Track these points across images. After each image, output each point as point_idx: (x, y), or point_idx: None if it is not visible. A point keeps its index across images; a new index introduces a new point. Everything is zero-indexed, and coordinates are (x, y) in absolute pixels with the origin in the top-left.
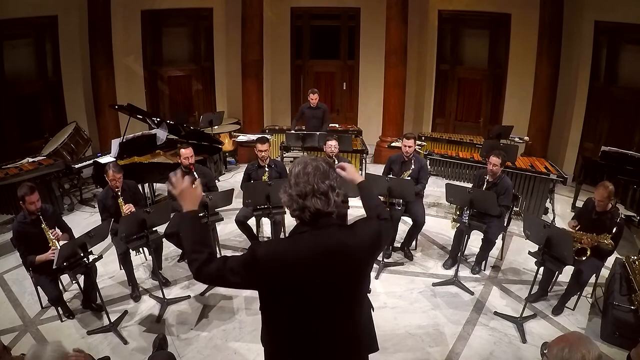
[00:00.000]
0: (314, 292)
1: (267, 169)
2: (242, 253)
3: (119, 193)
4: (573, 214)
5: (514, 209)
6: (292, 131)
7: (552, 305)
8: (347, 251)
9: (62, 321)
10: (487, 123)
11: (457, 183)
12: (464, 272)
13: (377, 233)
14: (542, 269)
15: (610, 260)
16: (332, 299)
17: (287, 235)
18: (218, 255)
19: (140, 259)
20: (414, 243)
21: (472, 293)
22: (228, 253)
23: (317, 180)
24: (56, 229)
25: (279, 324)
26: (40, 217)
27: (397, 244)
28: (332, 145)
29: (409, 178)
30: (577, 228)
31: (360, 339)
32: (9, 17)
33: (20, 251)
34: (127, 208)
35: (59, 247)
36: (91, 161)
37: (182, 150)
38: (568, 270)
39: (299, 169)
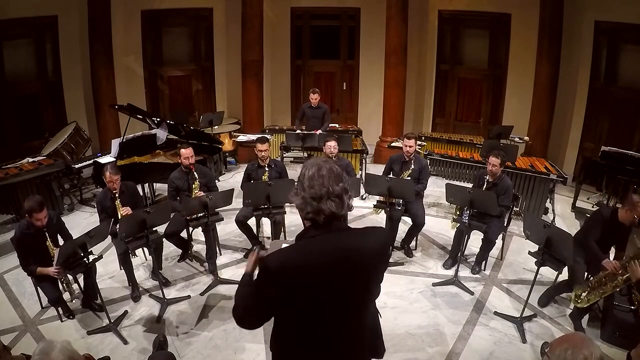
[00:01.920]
0: (325, 296)
1: (267, 169)
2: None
3: (117, 195)
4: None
5: (514, 209)
6: (297, 131)
7: (554, 306)
8: (357, 255)
9: (62, 321)
10: (487, 123)
11: (457, 183)
12: (464, 272)
13: (385, 242)
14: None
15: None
16: (341, 303)
17: (286, 235)
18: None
19: (140, 259)
20: (414, 243)
21: (472, 293)
22: (228, 253)
23: (331, 183)
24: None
25: (288, 328)
26: (46, 232)
27: (396, 243)
28: (331, 145)
29: (409, 178)
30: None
31: (364, 344)
32: (9, 17)
33: (21, 259)
34: (124, 211)
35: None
36: (91, 161)
37: (182, 150)
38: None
39: (313, 171)
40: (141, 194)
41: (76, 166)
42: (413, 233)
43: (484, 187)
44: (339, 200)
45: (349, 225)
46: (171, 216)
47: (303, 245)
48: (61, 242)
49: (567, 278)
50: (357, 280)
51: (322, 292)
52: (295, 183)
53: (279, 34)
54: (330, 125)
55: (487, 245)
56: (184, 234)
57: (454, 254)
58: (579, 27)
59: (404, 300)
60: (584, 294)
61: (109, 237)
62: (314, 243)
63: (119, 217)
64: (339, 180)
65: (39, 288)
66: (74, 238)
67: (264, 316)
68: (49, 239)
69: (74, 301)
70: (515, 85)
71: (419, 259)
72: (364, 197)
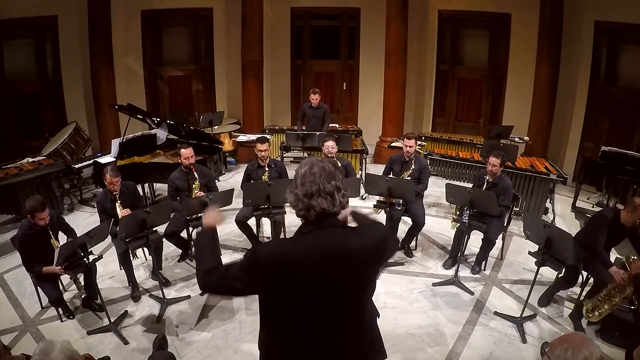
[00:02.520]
0: (317, 292)
1: (267, 169)
2: (243, 256)
3: (117, 196)
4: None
5: (514, 209)
6: (296, 131)
7: (553, 306)
8: (350, 252)
9: (62, 321)
10: (487, 123)
11: (457, 183)
12: (464, 272)
13: (382, 238)
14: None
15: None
16: (334, 301)
17: (286, 235)
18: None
19: (140, 259)
20: (414, 243)
21: (472, 293)
22: (228, 253)
23: (323, 181)
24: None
25: (279, 327)
26: (49, 231)
27: None
28: (329, 146)
29: (409, 178)
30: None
31: (364, 344)
32: (9, 17)
33: (25, 260)
34: (124, 212)
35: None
36: (91, 161)
37: (182, 150)
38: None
39: (305, 169)
40: (141, 194)
41: (76, 166)
42: (413, 233)
43: (484, 187)
44: (330, 198)
45: (348, 224)
46: (171, 216)
47: (294, 240)
48: (63, 238)
49: (562, 275)
50: (351, 277)
51: (311, 287)
52: None
53: (279, 34)
54: (330, 125)
55: (487, 245)
56: (184, 234)
57: (454, 254)
58: (579, 27)
59: (404, 300)
60: (597, 311)
61: (109, 237)
62: (306, 238)
63: (119, 218)
64: (331, 178)
65: (39, 288)
66: (74, 237)
67: (238, 294)
68: (53, 238)
69: (82, 296)
70: (515, 85)
71: (419, 259)
72: (364, 197)
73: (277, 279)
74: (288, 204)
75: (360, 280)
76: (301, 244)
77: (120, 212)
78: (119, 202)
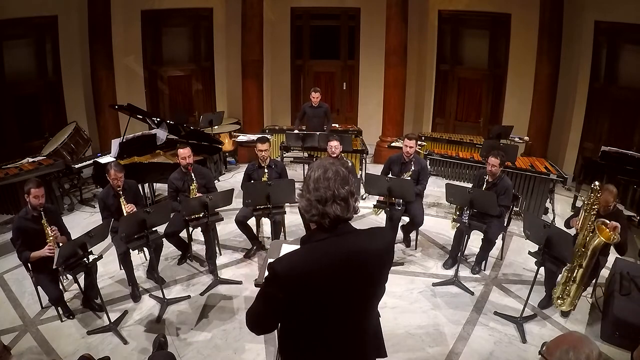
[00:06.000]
0: (335, 300)
1: (267, 169)
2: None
3: (121, 192)
4: (572, 213)
5: (514, 209)
6: (295, 130)
7: (554, 306)
8: (366, 258)
9: (62, 321)
10: (487, 123)
11: (457, 183)
12: (464, 272)
13: (390, 241)
14: (542, 270)
15: (610, 261)
16: (351, 306)
17: (286, 235)
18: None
19: (140, 259)
20: (413, 243)
21: (472, 293)
22: (228, 253)
23: (337, 186)
24: (55, 228)
25: (295, 333)
26: (42, 213)
27: (396, 243)
28: (333, 146)
29: (409, 178)
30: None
31: (367, 345)
32: (9, 17)
33: (17, 246)
34: (129, 208)
35: (56, 247)
36: (91, 161)
37: (180, 151)
38: None
39: (318, 173)
40: (141, 193)
41: (76, 166)
42: (410, 229)
43: (484, 187)
44: (344, 204)
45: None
46: (171, 216)
47: (311, 250)
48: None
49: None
50: (365, 282)
51: (331, 296)
52: (296, 184)
53: (279, 34)
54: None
55: (487, 245)
56: (184, 235)
57: (454, 254)
58: (579, 27)
59: (404, 300)
60: (566, 297)
61: (109, 236)
62: (322, 247)
63: (124, 214)
64: (345, 183)
65: (39, 288)
66: (73, 238)
67: (272, 321)
68: (44, 219)
69: (64, 281)
70: (515, 85)
71: (419, 259)
72: (364, 197)
73: (296, 291)
74: (289, 204)
75: (376, 284)
76: (317, 253)
77: (125, 207)
78: (123, 197)
